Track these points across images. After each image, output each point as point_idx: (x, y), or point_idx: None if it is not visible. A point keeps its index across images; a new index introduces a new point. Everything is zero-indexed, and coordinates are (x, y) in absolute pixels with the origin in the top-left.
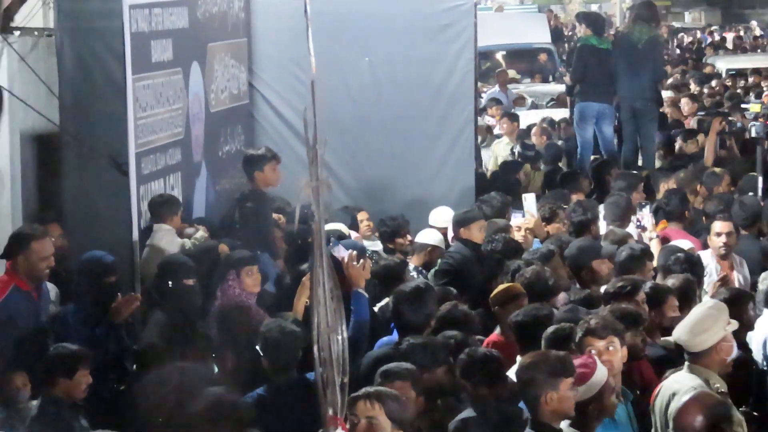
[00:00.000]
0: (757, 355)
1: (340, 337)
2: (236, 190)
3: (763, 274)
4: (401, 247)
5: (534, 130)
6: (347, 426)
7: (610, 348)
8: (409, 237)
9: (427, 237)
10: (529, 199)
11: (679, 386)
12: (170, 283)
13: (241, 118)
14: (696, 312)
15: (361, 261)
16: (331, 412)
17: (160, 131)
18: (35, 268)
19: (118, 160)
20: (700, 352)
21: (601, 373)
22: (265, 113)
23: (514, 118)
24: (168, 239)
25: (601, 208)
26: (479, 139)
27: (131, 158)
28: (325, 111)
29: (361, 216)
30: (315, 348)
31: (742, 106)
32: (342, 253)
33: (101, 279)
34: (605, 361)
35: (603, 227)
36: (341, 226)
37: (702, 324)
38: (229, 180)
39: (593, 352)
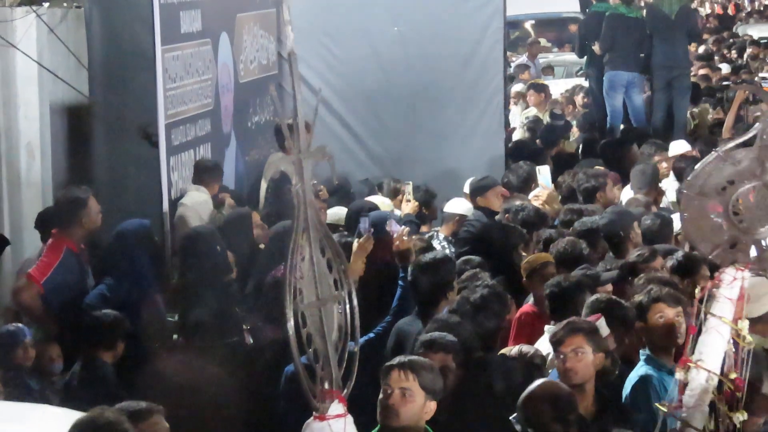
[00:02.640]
0: None
1: (347, 306)
2: (265, 161)
3: None
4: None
5: (562, 98)
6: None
7: (679, 317)
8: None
9: (455, 206)
10: (543, 172)
11: None
12: (200, 251)
13: (270, 89)
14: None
15: (413, 237)
16: (326, 385)
17: (190, 102)
18: (94, 224)
19: (147, 131)
20: (755, 319)
21: None
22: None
23: (541, 88)
24: (205, 203)
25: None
26: (516, 104)
27: (161, 129)
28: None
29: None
30: (290, 324)
31: (761, 75)
32: (394, 227)
33: (150, 244)
34: (678, 329)
35: (628, 195)
36: (382, 200)
37: (758, 288)
38: (259, 150)
39: (661, 319)
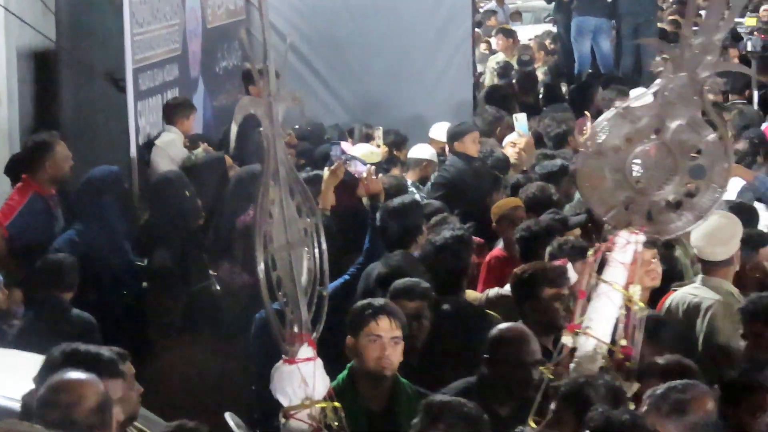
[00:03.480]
0: None
1: (316, 251)
2: (234, 106)
3: None
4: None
5: (533, 44)
6: (314, 341)
7: (655, 259)
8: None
9: (421, 152)
10: (520, 119)
11: (699, 298)
12: (169, 197)
13: (239, 34)
14: (713, 221)
15: (380, 175)
16: (296, 329)
17: (157, 47)
18: (61, 169)
19: (115, 76)
20: (718, 263)
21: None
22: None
23: (509, 33)
24: (177, 142)
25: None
26: (482, 51)
27: (128, 74)
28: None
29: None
30: (260, 267)
31: (737, 20)
32: (359, 168)
33: (118, 190)
34: (651, 270)
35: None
36: (371, 149)
37: (721, 233)
38: (227, 96)
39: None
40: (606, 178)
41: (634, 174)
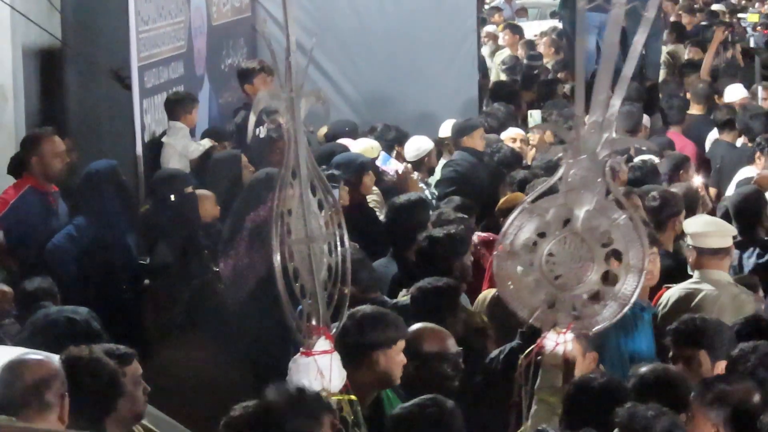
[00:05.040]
0: None
1: (339, 250)
2: (239, 103)
3: None
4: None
5: (544, 40)
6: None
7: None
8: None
9: (419, 146)
10: (535, 116)
11: (702, 292)
12: (172, 196)
13: (244, 31)
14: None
15: (415, 174)
16: (314, 322)
17: (163, 45)
18: (50, 165)
19: (120, 74)
20: (716, 251)
21: None
22: (267, 26)
23: (516, 29)
24: (182, 135)
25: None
26: (488, 48)
27: (134, 72)
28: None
29: None
30: (276, 257)
31: (740, 15)
32: (395, 166)
33: (117, 184)
34: (648, 271)
35: None
36: (371, 143)
37: (719, 225)
38: (232, 93)
39: None
40: (524, 279)
41: (552, 270)
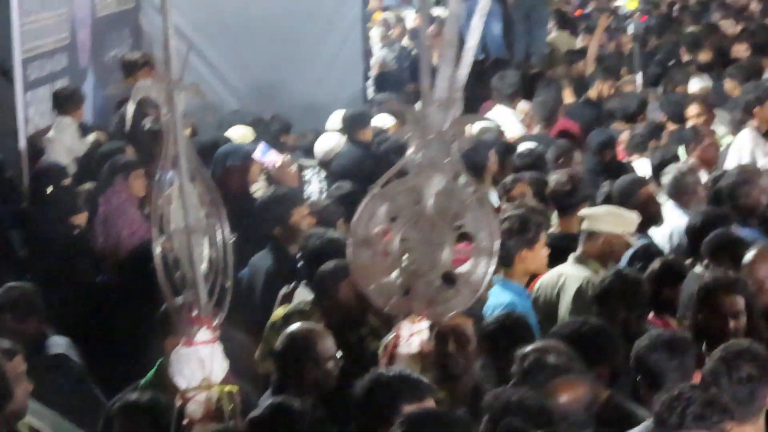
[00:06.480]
0: (663, 248)
1: (218, 240)
2: (125, 95)
3: (667, 167)
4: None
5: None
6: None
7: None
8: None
9: (330, 145)
10: None
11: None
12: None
13: (128, 23)
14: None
15: (293, 166)
16: (194, 312)
17: (46, 37)
18: None
19: (3, 66)
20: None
21: None
22: (151, 18)
23: (400, 19)
24: (71, 132)
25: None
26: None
27: (17, 64)
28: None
29: None
30: (156, 248)
31: (617, 3)
32: (274, 157)
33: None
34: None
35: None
36: (244, 130)
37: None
38: (117, 85)
39: None
40: (379, 267)
41: (405, 256)
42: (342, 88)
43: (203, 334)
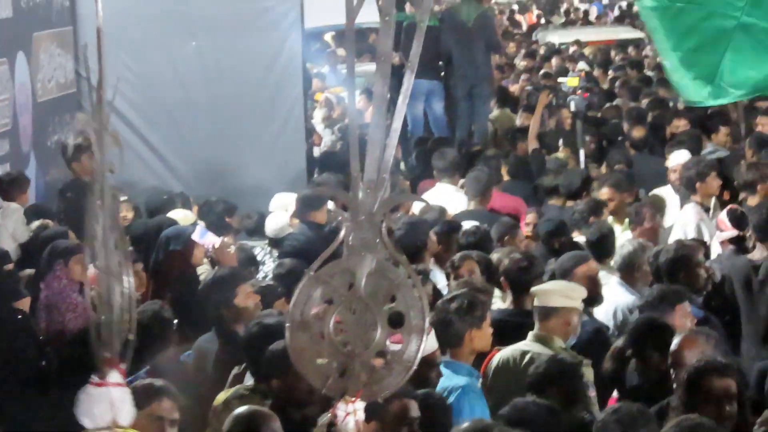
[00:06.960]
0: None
1: (126, 290)
2: (66, 179)
3: (623, 242)
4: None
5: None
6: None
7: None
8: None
9: (281, 223)
10: None
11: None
12: None
13: (70, 107)
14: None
15: (232, 247)
16: (108, 354)
17: None
18: None
19: None
20: (552, 312)
21: None
22: (93, 101)
23: (341, 99)
24: (16, 218)
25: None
26: (324, 115)
27: None
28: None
29: None
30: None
31: (559, 80)
32: (212, 239)
33: None
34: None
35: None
36: (184, 213)
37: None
38: (59, 170)
39: None
40: (316, 349)
41: (340, 338)
42: (285, 169)
43: (115, 376)
